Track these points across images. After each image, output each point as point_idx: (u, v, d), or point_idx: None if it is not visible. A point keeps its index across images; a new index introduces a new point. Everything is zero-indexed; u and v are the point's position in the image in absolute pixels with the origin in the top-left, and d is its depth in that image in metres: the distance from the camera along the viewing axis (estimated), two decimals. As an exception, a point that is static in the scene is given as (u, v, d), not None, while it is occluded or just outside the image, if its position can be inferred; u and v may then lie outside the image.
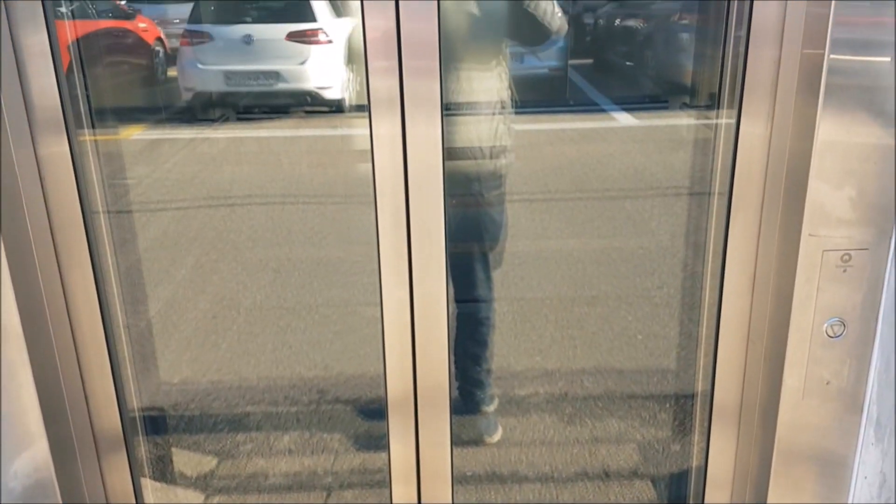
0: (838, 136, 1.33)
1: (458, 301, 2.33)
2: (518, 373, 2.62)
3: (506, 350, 2.68)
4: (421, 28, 1.42)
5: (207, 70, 3.67)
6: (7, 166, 1.40)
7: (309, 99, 3.80)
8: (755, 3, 1.41)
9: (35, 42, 1.39)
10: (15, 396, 1.46)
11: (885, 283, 1.39)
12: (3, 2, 1.36)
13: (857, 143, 1.32)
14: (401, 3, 1.41)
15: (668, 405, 2.31)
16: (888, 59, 1.28)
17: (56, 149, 1.45)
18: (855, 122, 1.32)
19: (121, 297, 1.70)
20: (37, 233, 1.49)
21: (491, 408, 2.44)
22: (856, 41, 1.28)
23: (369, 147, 1.53)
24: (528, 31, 2.06)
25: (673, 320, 2.44)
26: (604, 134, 3.82)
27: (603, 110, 3.70)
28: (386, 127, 1.50)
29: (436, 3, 1.41)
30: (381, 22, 1.41)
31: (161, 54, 3.80)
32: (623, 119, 3.72)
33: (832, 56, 1.29)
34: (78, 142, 1.49)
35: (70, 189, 1.48)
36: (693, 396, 1.94)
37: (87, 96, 1.52)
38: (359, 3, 1.42)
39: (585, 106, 3.63)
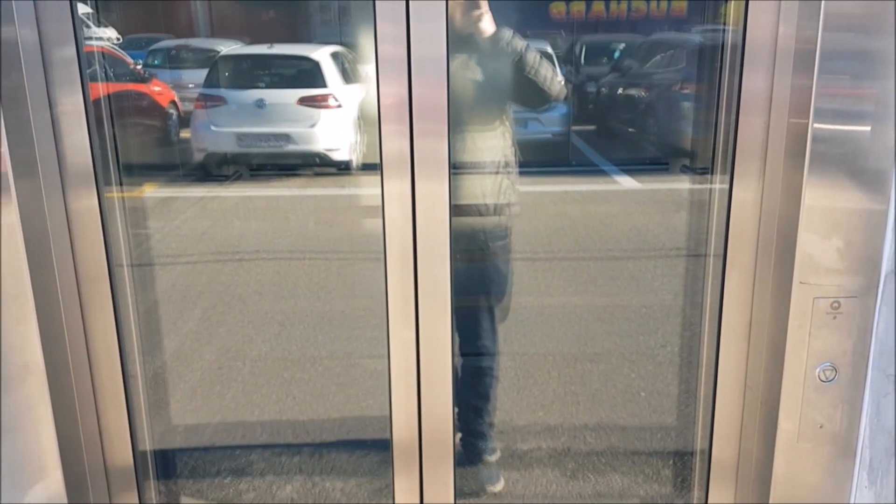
0: (824, 201, 1.42)
1: (463, 354, 2.38)
2: (521, 427, 2.65)
3: (509, 405, 2.71)
4: (431, 94, 1.53)
5: (220, 132, 3.83)
6: (39, 218, 1.49)
7: (317, 160, 3.95)
8: (745, 74, 1.52)
9: (71, 101, 1.50)
10: (33, 429, 1.51)
11: (874, 329, 1.46)
12: (42, 64, 1.48)
13: (842, 208, 1.42)
14: (413, 72, 1.52)
15: (669, 462, 2.33)
16: (867, 128, 1.38)
17: (86, 203, 1.55)
18: (839, 188, 1.41)
19: (139, 344, 1.78)
20: (63, 279, 1.57)
21: (493, 458, 2.46)
22: (837, 111, 1.39)
23: (380, 202, 1.63)
24: (530, 95, 2.18)
25: (675, 378, 2.49)
26: (606, 196, 3.93)
27: (605, 173, 3.82)
28: (396, 184, 1.60)
29: (446, 72, 1.52)
30: (394, 89, 1.53)
31: (174, 116, 3.95)
32: (625, 182, 3.84)
33: (816, 125, 1.39)
34: (105, 197, 1.59)
35: (97, 242, 1.57)
36: (693, 454, 1.98)
37: (116, 153, 1.62)
38: (374, 71, 1.53)
39: (588, 168, 3.76)
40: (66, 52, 1.49)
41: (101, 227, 1.57)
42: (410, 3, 1.49)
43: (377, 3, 1.50)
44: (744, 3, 1.50)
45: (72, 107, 1.50)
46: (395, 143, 1.56)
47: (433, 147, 1.56)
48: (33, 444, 1.53)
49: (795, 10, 1.45)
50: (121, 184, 1.66)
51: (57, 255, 1.55)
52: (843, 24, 1.37)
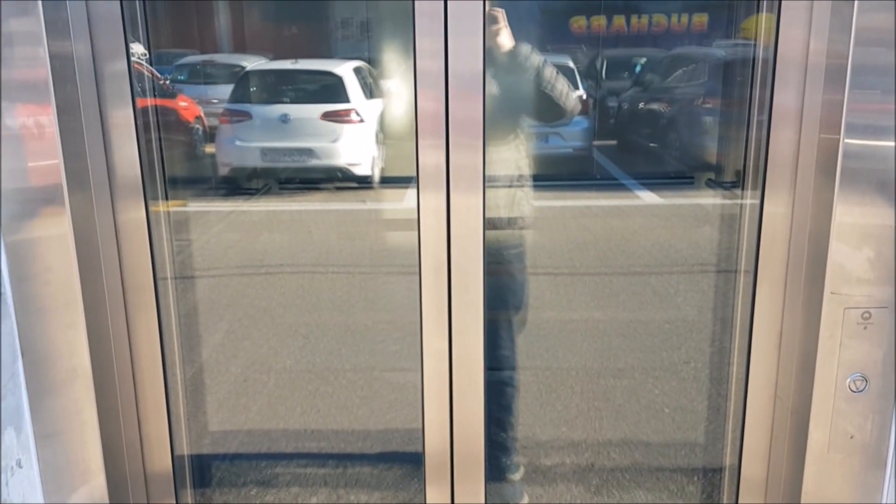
0: (855, 215, 1.46)
1: (489, 369, 2.41)
2: (544, 443, 2.67)
3: (532, 420, 2.73)
4: (468, 108, 1.59)
5: (245, 147, 3.91)
6: (90, 229, 1.56)
7: (340, 174, 4.02)
8: (776, 90, 1.56)
9: (122, 115, 1.57)
10: (79, 433, 1.57)
11: (904, 339, 1.48)
12: (95, 78, 1.55)
13: (873, 222, 1.45)
14: (450, 86, 1.58)
15: (695, 478, 2.35)
16: (898, 143, 1.41)
17: (134, 215, 1.62)
18: (870, 203, 1.45)
19: (180, 353, 1.84)
20: (111, 288, 1.64)
21: (517, 475, 2.49)
22: (868, 127, 1.42)
23: (416, 214, 1.68)
24: (546, 109, 2.24)
25: (700, 394, 2.50)
26: (628, 211, 3.96)
27: (627, 188, 3.86)
28: (432, 197, 1.65)
29: (482, 87, 1.58)
30: (432, 103, 1.58)
31: (200, 131, 4.04)
32: (647, 197, 3.87)
33: (847, 140, 1.43)
34: (152, 210, 1.65)
35: (144, 252, 1.65)
36: (721, 470, 2.00)
37: (163, 167, 1.69)
38: (413, 88, 1.59)
39: (610, 182, 3.80)
40: (118, 67, 1.57)
41: (147, 239, 1.64)
42: (449, 18, 1.54)
43: (416, 18, 1.55)
44: (775, 18, 1.54)
45: (122, 120, 1.57)
46: (431, 157, 1.62)
47: (469, 160, 1.62)
48: (78, 448, 1.58)
49: (826, 25, 1.49)
50: (166, 197, 1.73)
51: (105, 265, 1.62)
52: (875, 39, 1.40)
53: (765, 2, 1.60)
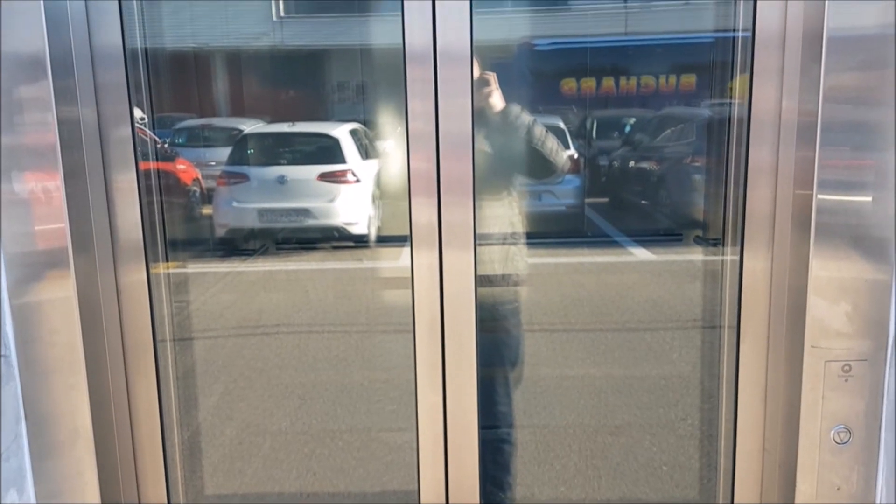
0: (831, 269, 1.53)
1: (483, 427, 2.44)
2: None
3: (530, 479, 2.73)
4: (458, 167, 1.67)
5: (242, 208, 4.01)
6: (92, 291, 1.61)
7: (336, 234, 4.10)
8: (751, 148, 1.65)
9: (125, 179, 1.65)
10: (80, 495, 1.59)
11: (885, 391, 1.53)
12: (100, 143, 1.63)
13: (849, 276, 1.52)
14: (441, 147, 1.67)
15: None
16: (869, 198, 1.49)
17: (135, 277, 1.68)
18: (845, 257, 1.52)
19: (178, 416, 1.88)
20: (112, 349, 1.69)
21: (516, 538, 2.48)
22: (840, 182, 1.51)
23: (409, 272, 1.74)
24: (537, 166, 2.34)
25: (698, 451, 2.52)
26: (621, 267, 4.03)
27: (620, 245, 3.94)
28: (425, 255, 1.72)
29: (472, 146, 1.67)
30: (424, 164, 1.67)
31: (197, 193, 4.13)
32: (640, 253, 3.95)
33: (819, 196, 1.51)
34: (152, 271, 1.72)
35: (144, 314, 1.70)
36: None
37: (164, 230, 1.76)
38: (405, 148, 1.67)
39: (602, 240, 3.88)
40: (122, 132, 1.66)
41: (148, 300, 1.69)
42: (439, 82, 1.64)
43: (409, 82, 1.65)
44: (748, 78, 1.65)
45: (126, 184, 1.65)
46: (424, 214, 1.69)
47: (460, 218, 1.69)
48: (79, 508, 1.60)
49: (797, 85, 1.59)
50: (167, 259, 1.79)
51: (107, 326, 1.67)
52: (842, 97, 1.49)
53: (738, 63, 1.71)
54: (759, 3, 1.62)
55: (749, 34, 1.65)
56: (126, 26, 1.64)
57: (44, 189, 1.48)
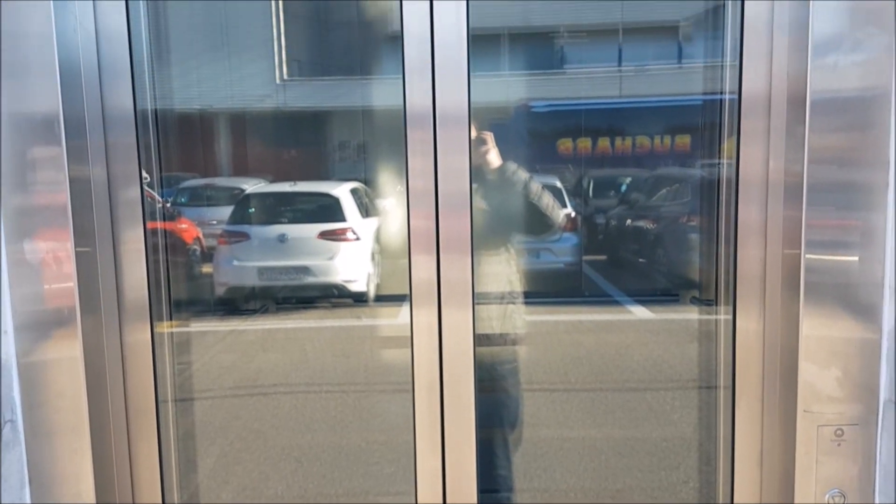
0: (821, 329, 1.56)
1: (482, 491, 2.43)
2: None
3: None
4: (457, 225, 1.73)
5: (242, 266, 4.06)
6: (98, 352, 1.65)
7: (335, 291, 4.15)
8: (740, 207, 1.71)
9: (133, 238, 1.70)
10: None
11: (877, 456, 1.55)
12: (109, 203, 1.69)
13: (838, 336, 1.55)
14: (440, 204, 1.73)
15: None
16: (856, 258, 1.54)
17: (140, 336, 1.72)
18: (834, 316, 1.56)
19: (178, 480, 1.88)
20: (115, 411, 1.71)
21: None
22: (826, 242, 1.56)
23: (409, 329, 1.78)
24: (535, 221, 2.41)
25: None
26: (620, 326, 4.06)
27: (618, 303, 3.98)
28: (424, 313, 1.76)
29: (469, 204, 1.73)
30: (423, 222, 1.73)
31: (198, 252, 4.20)
32: (639, 312, 3.98)
33: (808, 255, 1.56)
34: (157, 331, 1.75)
35: (148, 375, 1.73)
36: None
37: (169, 289, 1.81)
38: (404, 206, 1.73)
39: (601, 298, 3.92)
40: (131, 192, 1.72)
41: (151, 361, 1.73)
42: (438, 140, 1.72)
43: (409, 140, 1.73)
44: (735, 138, 1.72)
45: (133, 244, 1.70)
46: (423, 272, 1.74)
47: (459, 276, 1.74)
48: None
49: (783, 146, 1.65)
50: (171, 318, 1.83)
51: (111, 388, 1.70)
52: (827, 158, 1.55)
53: (726, 125, 1.78)
54: (744, 67, 1.70)
55: (735, 97, 1.73)
56: (137, 88, 1.72)
57: (54, 249, 1.53)
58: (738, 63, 1.71)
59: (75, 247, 1.55)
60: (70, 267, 1.54)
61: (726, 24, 1.79)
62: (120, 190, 1.71)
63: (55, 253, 1.53)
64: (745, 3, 1.68)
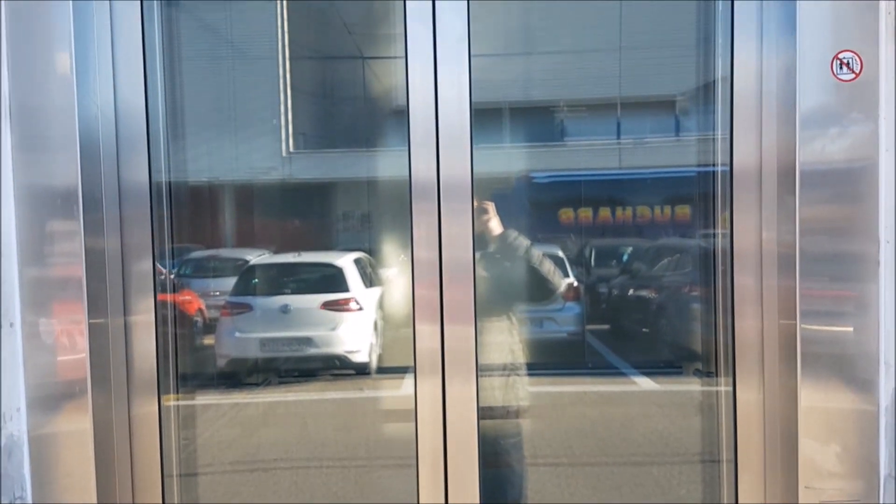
0: (819, 402, 1.60)
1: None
2: None
3: None
4: (460, 294, 1.79)
5: (244, 338, 4.09)
6: (106, 425, 1.67)
7: (337, 362, 4.16)
8: (735, 278, 1.77)
9: (143, 309, 1.76)
10: None
11: (880, 532, 1.56)
12: (122, 274, 1.75)
13: (836, 408, 1.59)
14: (444, 273, 1.79)
15: None
16: (850, 328, 1.58)
17: (147, 409, 1.74)
18: (831, 388, 1.59)
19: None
20: (121, 487, 1.72)
21: None
22: (820, 312, 1.60)
23: (413, 400, 1.81)
24: (536, 286, 2.47)
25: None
26: (625, 397, 4.04)
27: (623, 374, 3.98)
28: (428, 385, 1.79)
29: (472, 273, 1.78)
30: (428, 291, 1.78)
31: (199, 324, 4.23)
32: (644, 383, 3.98)
33: (803, 326, 1.60)
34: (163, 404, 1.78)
35: (154, 448, 1.74)
36: None
37: (176, 361, 1.84)
38: (406, 275, 1.79)
39: (605, 369, 3.93)
40: (144, 263, 1.78)
41: (158, 434, 1.74)
42: (442, 211, 1.79)
43: (414, 211, 1.80)
44: (729, 209, 1.78)
45: (144, 316, 1.75)
46: (428, 342, 1.79)
47: (462, 346, 1.78)
48: None
49: (775, 216, 1.72)
50: (177, 391, 1.86)
51: (118, 464, 1.72)
52: (818, 228, 1.62)
53: (719, 195, 1.86)
54: (735, 139, 1.79)
55: (727, 168, 1.81)
56: (152, 162, 1.81)
57: (68, 321, 1.58)
58: (728, 136, 1.80)
59: (88, 318, 1.60)
60: (83, 339, 1.58)
61: (717, 98, 1.89)
62: (133, 261, 1.77)
63: (69, 325, 1.58)
64: (734, 78, 1.78)
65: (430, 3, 1.77)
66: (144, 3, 1.80)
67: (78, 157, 1.62)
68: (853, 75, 1.61)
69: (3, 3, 1.59)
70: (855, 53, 1.60)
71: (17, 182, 1.59)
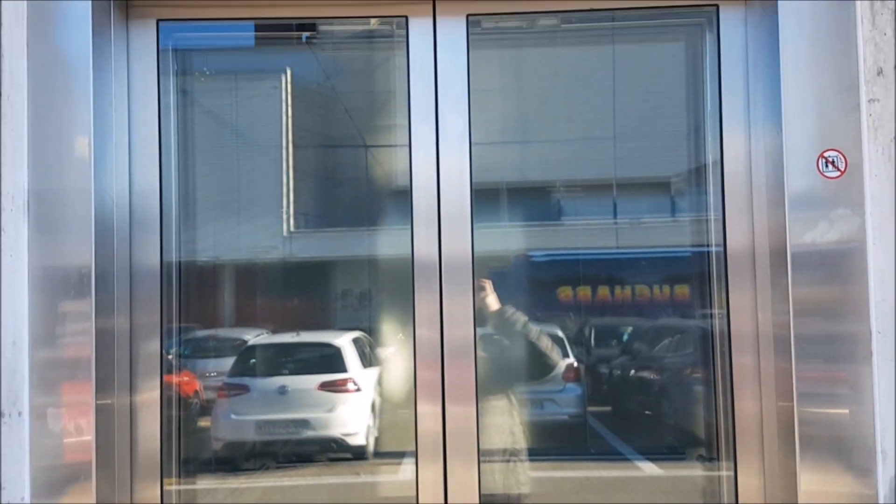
0: (818, 485, 1.59)
1: None
2: None
3: None
4: (462, 374, 1.82)
5: (241, 420, 4.06)
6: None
7: (334, 445, 4.12)
8: (734, 358, 1.80)
9: (149, 389, 1.78)
10: None
11: None
12: (129, 354, 1.78)
13: (836, 492, 1.59)
14: (446, 353, 1.82)
15: None
16: (846, 411, 1.61)
17: (149, 493, 1.74)
18: (831, 471, 1.60)
19: None
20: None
21: None
22: (817, 394, 1.63)
23: (414, 484, 1.81)
24: (534, 360, 2.49)
25: None
26: (629, 483, 3.98)
27: (626, 459, 3.93)
28: (430, 469, 1.80)
29: (474, 353, 1.82)
30: (429, 373, 1.81)
31: (196, 405, 4.20)
32: (647, 468, 3.93)
33: (800, 408, 1.62)
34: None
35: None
36: None
37: (180, 444, 1.85)
38: (406, 354, 1.82)
39: (607, 454, 3.89)
40: (152, 344, 1.81)
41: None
42: (444, 289, 1.84)
43: (416, 289, 1.84)
44: (724, 290, 1.83)
45: (149, 396, 1.78)
46: (429, 424, 1.80)
47: (463, 428, 1.80)
48: None
49: (769, 297, 1.76)
50: (180, 475, 1.86)
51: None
52: (811, 310, 1.65)
53: (714, 276, 1.91)
54: (727, 221, 1.85)
55: (721, 249, 1.86)
56: (164, 243, 1.87)
57: (75, 402, 1.60)
58: (721, 217, 1.86)
59: (96, 399, 1.62)
60: (89, 420, 1.60)
61: (709, 181, 1.97)
62: (141, 341, 1.81)
63: (76, 406, 1.60)
64: (724, 163, 1.86)
65: (434, 104, 1.88)
66: (161, 95, 1.90)
67: (93, 238, 1.66)
68: (838, 173, 1.67)
69: (27, 94, 1.69)
70: (839, 152, 1.68)
71: (31, 264, 1.63)
